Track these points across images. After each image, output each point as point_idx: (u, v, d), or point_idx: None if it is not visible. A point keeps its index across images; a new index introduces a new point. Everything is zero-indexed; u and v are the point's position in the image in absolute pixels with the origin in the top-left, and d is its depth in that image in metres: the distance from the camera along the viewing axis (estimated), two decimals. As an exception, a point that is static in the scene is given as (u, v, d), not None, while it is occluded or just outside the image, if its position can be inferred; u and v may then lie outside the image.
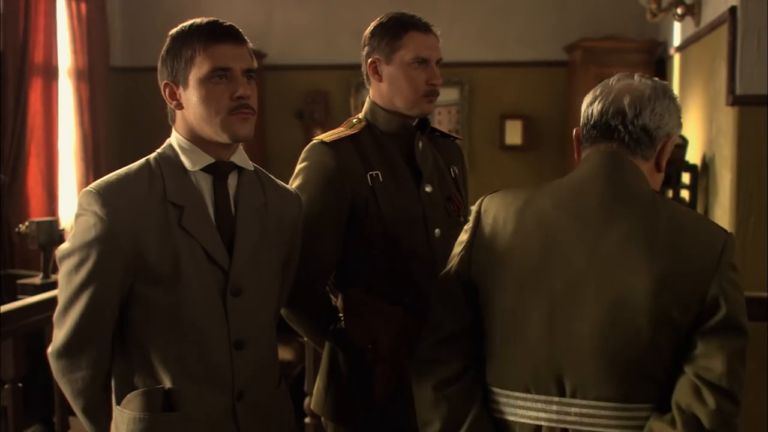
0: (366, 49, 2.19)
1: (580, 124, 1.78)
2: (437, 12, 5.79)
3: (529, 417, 1.67)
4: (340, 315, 2.19)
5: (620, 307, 1.59)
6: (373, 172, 2.12)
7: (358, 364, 2.13)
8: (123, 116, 6.70)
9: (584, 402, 1.63)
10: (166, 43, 1.78)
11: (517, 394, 1.69)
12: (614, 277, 1.60)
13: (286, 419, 1.92)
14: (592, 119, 1.73)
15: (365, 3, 6.44)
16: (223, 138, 1.73)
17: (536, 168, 6.26)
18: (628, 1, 5.89)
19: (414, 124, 2.21)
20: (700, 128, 4.26)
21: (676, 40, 5.12)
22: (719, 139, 3.81)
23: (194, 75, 1.72)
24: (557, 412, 1.64)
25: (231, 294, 1.75)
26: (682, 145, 4.14)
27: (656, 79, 1.77)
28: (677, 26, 5.04)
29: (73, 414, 2.94)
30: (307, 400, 2.95)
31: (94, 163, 6.11)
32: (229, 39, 1.74)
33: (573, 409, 1.63)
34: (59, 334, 1.73)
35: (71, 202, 6.06)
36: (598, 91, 1.75)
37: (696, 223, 1.68)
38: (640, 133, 1.69)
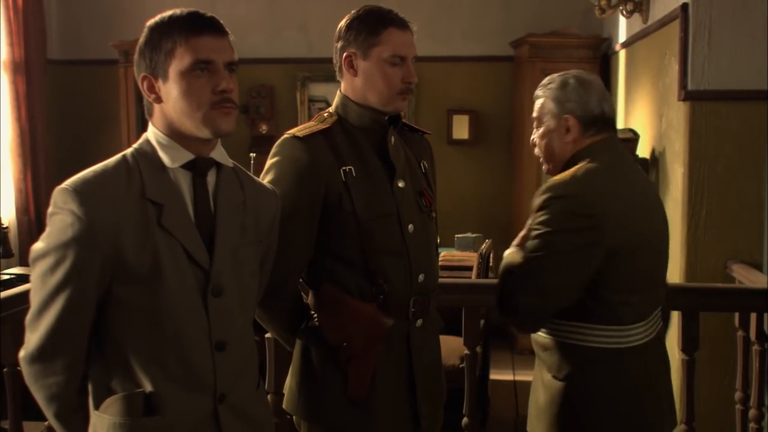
0: (341, 42, 2.15)
1: (580, 113, 2.18)
2: (383, 6, 5.76)
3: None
4: (312, 313, 2.16)
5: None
6: (346, 167, 2.09)
7: (332, 362, 2.11)
8: (61, 110, 6.52)
9: None
10: (144, 34, 1.71)
11: None
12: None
13: (266, 421, 1.89)
14: (605, 114, 2.20)
15: (310, -4, 6.40)
16: (205, 133, 1.68)
17: (484, 162, 6.30)
18: (573, -3, 5.99)
19: (386, 118, 2.19)
20: (650, 123, 4.34)
21: (622, 36, 5.20)
22: (670, 134, 3.89)
23: (175, 67, 1.66)
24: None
25: (212, 294, 1.70)
26: (634, 139, 4.21)
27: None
28: (623, 22, 5.12)
29: (28, 418, 2.86)
30: (269, 398, 2.91)
31: (32, 158, 5.95)
32: (210, 30, 1.69)
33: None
34: (33, 338, 1.66)
35: (9, 198, 5.88)
36: (598, 88, 2.22)
37: None
38: None
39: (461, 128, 6.24)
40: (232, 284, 1.74)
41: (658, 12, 4.11)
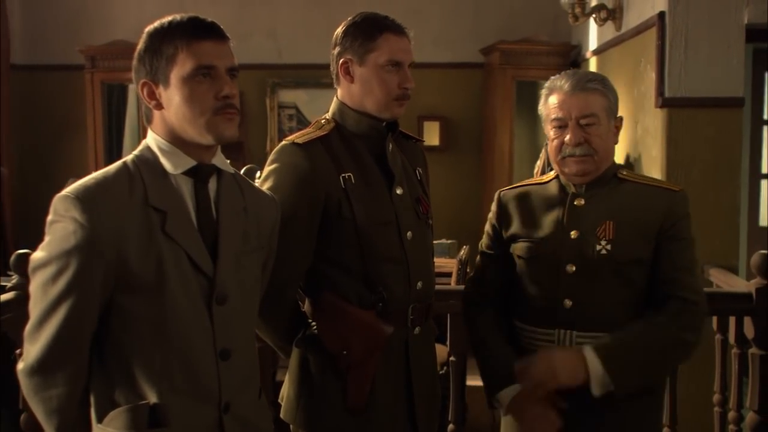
0: (337, 48, 2.14)
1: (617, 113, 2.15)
2: (353, 12, 5.73)
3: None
4: (310, 321, 2.14)
5: None
6: (345, 174, 2.08)
7: (331, 370, 2.08)
8: (25, 116, 6.39)
9: None
10: (143, 39, 1.69)
11: None
12: None
13: (268, 430, 1.86)
14: None
15: (279, 1, 6.36)
16: (207, 139, 1.66)
17: (454, 168, 6.31)
18: (542, 5, 6.03)
19: (383, 124, 2.18)
20: (624, 129, 4.36)
21: (593, 43, 5.26)
22: (646, 140, 3.94)
23: (176, 73, 1.64)
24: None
25: (216, 302, 1.68)
26: (611, 145, 4.26)
27: None
28: (593, 30, 5.18)
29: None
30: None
31: (-5, 165, 5.82)
32: (212, 36, 1.67)
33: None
34: (33, 350, 1.61)
35: (-29, 206, 5.74)
36: None
37: None
38: None
39: (432, 135, 6.25)
40: (235, 292, 1.72)
41: (632, 20, 4.16)
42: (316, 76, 6.01)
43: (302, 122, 6.26)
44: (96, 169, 5.28)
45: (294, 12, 6.30)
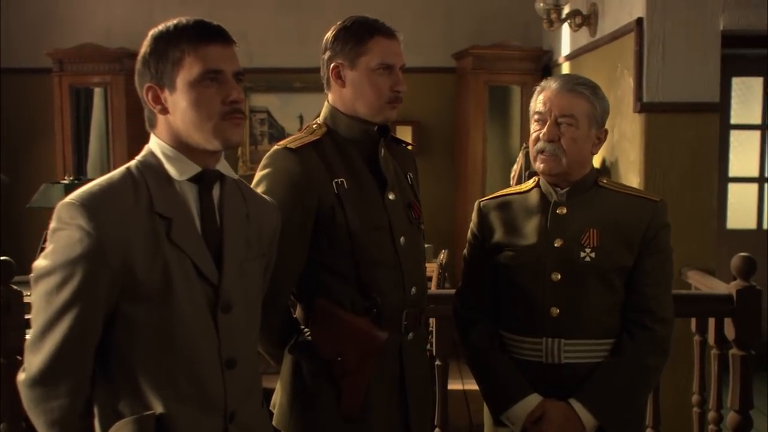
0: (328, 53, 2.13)
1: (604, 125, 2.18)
2: (325, 16, 5.73)
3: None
4: (303, 327, 2.13)
5: None
6: (338, 180, 2.07)
7: (324, 377, 2.07)
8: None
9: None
10: (147, 43, 1.66)
11: None
12: None
13: (271, 439, 1.85)
14: None
15: (249, 5, 6.32)
16: (214, 145, 1.64)
17: (427, 173, 6.27)
18: (514, 10, 6.08)
19: (375, 129, 2.18)
20: (600, 133, 4.42)
21: (566, 49, 5.31)
22: (623, 144, 3.98)
23: (183, 77, 1.61)
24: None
25: (221, 310, 1.66)
26: (590, 150, 4.30)
27: None
28: (566, 36, 5.23)
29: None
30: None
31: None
32: (219, 40, 1.66)
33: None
34: (35, 361, 1.57)
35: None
36: None
37: None
38: None
39: (405, 139, 6.23)
40: (240, 300, 1.70)
41: (608, 26, 4.21)
42: (288, 80, 5.98)
43: (274, 127, 6.23)
44: (64, 174, 5.18)
45: (265, 16, 6.27)
